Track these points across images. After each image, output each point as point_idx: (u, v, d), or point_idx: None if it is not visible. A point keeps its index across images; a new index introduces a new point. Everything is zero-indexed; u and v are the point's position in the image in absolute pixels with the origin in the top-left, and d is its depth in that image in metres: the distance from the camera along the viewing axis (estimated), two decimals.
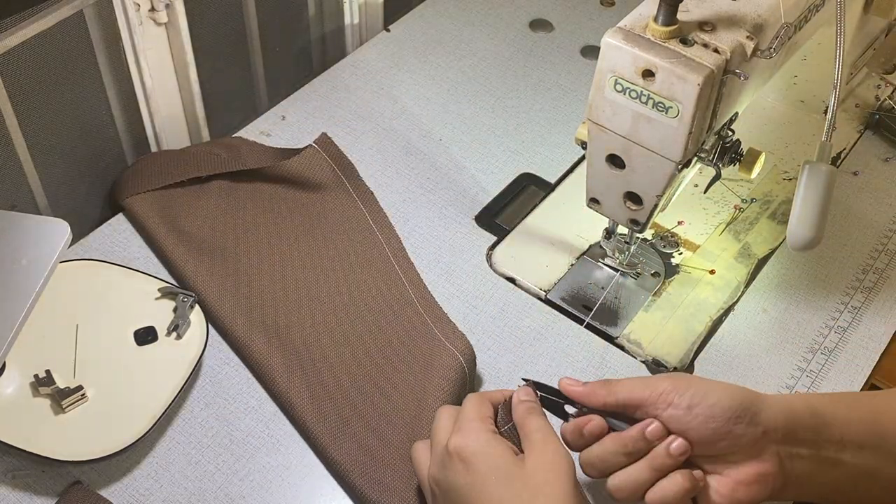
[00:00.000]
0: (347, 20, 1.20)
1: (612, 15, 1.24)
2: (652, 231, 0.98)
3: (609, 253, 0.94)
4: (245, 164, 0.99)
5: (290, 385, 0.82)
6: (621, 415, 0.71)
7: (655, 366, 0.88)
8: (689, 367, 0.88)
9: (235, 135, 1.05)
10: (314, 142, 1.01)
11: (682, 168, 0.78)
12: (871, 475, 0.72)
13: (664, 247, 0.97)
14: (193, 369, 0.82)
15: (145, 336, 0.84)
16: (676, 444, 0.69)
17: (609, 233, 0.92)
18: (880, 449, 0.71)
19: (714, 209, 1.01)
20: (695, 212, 1.00)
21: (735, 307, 0.93)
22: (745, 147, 0.84)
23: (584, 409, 0.72)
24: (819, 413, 0.71)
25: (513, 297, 0.93)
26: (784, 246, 0.97)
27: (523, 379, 0.75)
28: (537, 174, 1.04)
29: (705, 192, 0.98)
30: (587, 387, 0.72)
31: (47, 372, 0.79)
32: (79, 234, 0.92)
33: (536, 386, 0.74)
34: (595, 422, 0.71)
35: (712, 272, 0.95)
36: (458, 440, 0.69)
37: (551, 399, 0.74)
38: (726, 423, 0.68)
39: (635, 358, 0.88)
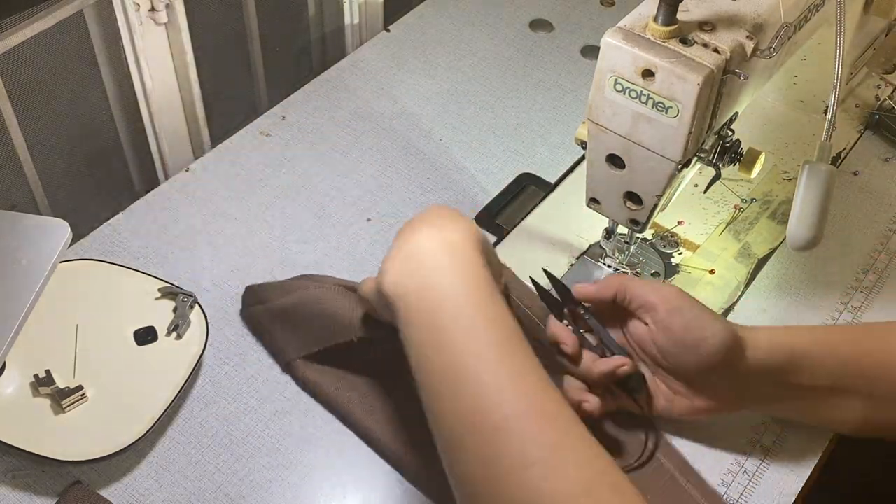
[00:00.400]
0: (347, 20, 1.20)
1: (612, 15, 1.24)
2: (652, 231, 0.98)
3: (609, 253, 0.94)
4: None
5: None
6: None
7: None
8: None
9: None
10: None
11: (681, 168, 0.78)
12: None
13: (664, 247, 0.97)
14: (193, 369, 0.82)
15: (145, 336, 0.84)
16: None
17: (609, 233, 0.92)
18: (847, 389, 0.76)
19: (714, 209, 1.01)
20: (695, 212, 1.00)
21: (735, 307, 0.92)
22: (745, 147, 0.84)
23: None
24: (797, 357, 0.75)
25: None
26: (784, 246, 0.97)
27: (543, 269, 0.82)
28: (537, 174, 1.04)
29: (705, 191, 0.98)
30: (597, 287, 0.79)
31: (47, 372, 0.79)
32: (79, 234, 0.92)
33: (550, 278, 0.81)
34: (571, 347, 0.77)
35: (712, 272, 0.95)
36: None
37: (552, 296, 0.81)
38: (708, 358, 0.74)
39: None
